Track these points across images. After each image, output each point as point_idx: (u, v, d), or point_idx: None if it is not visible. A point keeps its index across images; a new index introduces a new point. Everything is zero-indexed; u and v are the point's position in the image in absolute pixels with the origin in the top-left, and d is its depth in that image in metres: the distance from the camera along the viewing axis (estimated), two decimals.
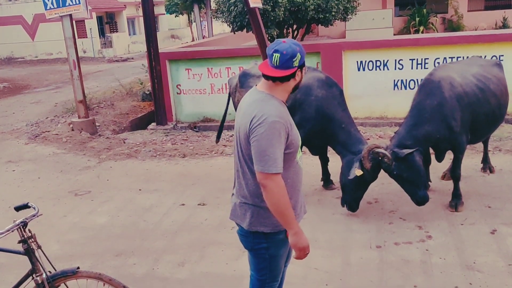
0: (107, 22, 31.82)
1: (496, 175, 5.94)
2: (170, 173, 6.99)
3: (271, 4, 9.72)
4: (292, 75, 2.61)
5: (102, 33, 30.55)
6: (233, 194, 2.92)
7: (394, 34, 18.04)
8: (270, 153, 2.51)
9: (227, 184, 6.31)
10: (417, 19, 19.74)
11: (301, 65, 2.62)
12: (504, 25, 19.41)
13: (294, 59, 2.56)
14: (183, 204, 5.81)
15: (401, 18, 20.57)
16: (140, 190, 6.39)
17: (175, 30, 37.97)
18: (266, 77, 2.64)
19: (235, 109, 6.11)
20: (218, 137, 6.66)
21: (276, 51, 2.56)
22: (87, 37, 28.59)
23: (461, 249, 4.32)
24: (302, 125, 5.12)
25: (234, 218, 2.88)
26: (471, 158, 6.44)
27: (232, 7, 10.12)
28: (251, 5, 8.33)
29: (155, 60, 9.72)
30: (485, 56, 8.13)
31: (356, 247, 4.51)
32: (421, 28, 19.52)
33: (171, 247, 4.79)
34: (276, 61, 2.55)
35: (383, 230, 4.80)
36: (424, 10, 19.83)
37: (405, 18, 20.45)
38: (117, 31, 31.44)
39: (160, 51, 9.97)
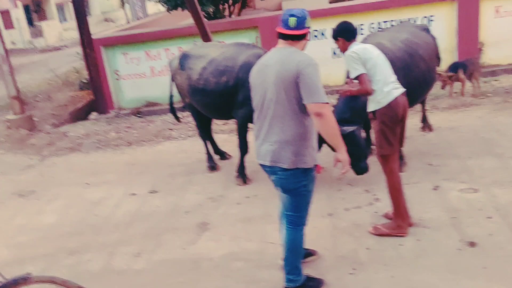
0: (35, 10, 30.23)
1: (434, 133, 6.20)
2: (116, 164, 6.84)
3: None
4: (305, 35, 3.21)
5: (30, 22, 29.02)
6: (261, 145, 3.29)
7: (330, 3, 18.18)
8: (321, 88, 3.07)
9: (177, 169, 6.26)
10: None
11: (309, 27, 3.22)
12: None
13: (305, 21, 3.19)
14: (133, 194, 5.71)
15: None
16: (87, 184, 6.22)
17: (108, 13, 36.48)
18: (285, 36, 3.18)
19: (178, 92, 6.07)
20: (176, 117, 6.45)
21: (292, 15, 3.16)
22: (14, 28, 27.08)
23: (408, 207, 4.49)
24: (245, 104, 5.10)
25: (274, 163, 3.23)
26: (411, 118, 6.58)
27: None
28: None
29: (89, 47, 9.36)
30: (417, 19, 8.38)
31: (309, 217, 4.59)
32: None
33: (125, 239, 4.72)
34: (294, 23, 3.15)
35: (333, 197, 4.93)
36: None
37: None
38: (46, 19, 29.96)
39: (93, 36, 9.59)
